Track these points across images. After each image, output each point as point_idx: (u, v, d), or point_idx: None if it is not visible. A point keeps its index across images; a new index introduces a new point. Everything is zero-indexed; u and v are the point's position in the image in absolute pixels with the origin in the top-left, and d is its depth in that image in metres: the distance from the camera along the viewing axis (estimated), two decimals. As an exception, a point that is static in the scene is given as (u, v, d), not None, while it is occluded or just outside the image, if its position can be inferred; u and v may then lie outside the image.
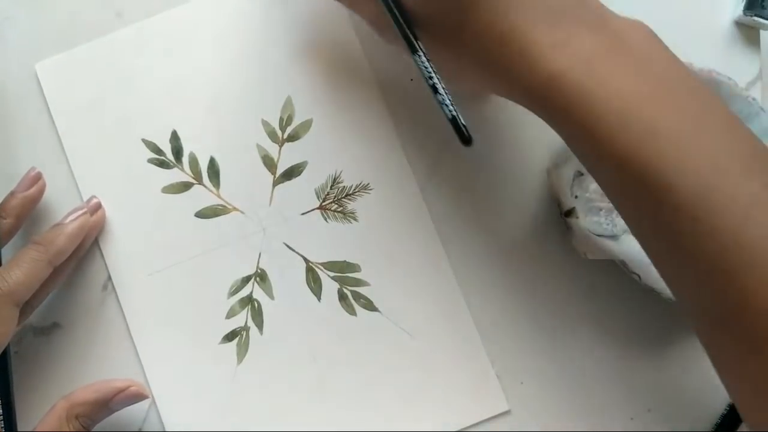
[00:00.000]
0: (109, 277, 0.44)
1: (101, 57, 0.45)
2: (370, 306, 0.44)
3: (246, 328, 0.44)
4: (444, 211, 0.45)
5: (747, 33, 0.46)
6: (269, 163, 0.45)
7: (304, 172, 0.45)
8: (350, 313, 0.44)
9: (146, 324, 0.43)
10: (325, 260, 0.44)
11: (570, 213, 0.41)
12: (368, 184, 0.45)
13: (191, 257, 0.44)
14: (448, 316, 0.44)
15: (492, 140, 0.45)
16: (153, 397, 0.43)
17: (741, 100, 0.43)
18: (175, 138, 0.45)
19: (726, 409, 0.43)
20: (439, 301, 0.44)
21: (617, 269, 0.42)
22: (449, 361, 0.43)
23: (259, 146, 0.45)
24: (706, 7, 0.46)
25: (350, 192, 0.45)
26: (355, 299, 0.44)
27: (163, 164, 0.45)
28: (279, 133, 0.45)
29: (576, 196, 0.43)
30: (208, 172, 0.45)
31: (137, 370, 0.43)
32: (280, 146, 0.45)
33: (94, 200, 0.44)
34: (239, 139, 0.45)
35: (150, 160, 0.45)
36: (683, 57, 0.42)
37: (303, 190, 0.45)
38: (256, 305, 0.44)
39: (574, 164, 0.42)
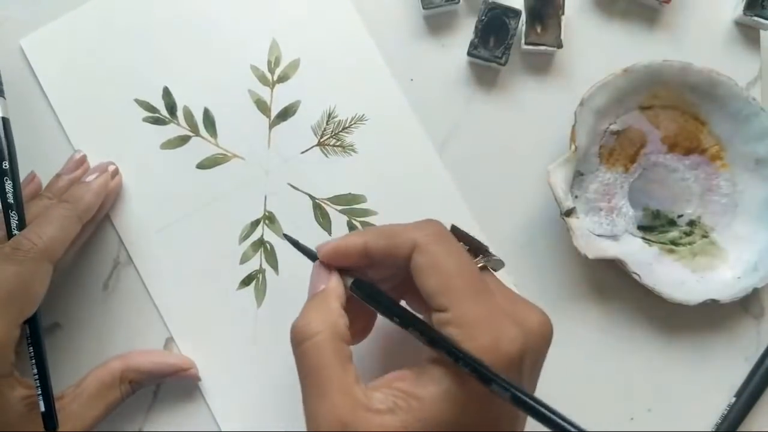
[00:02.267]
0: (112, 272, 0.44)
1: (84, 25, 0.45)
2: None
3: (261, 271, 0.44)
4: (444, 211, 0.45)
5: (747, 33, 0.45)
6: (263, 106, 0.45)
7: (298, 111, 0.45)
8: (362, 244, 0.44)
9: (163, 279, 0.44)
10: (330, 195, 0.45)
11: (570, 213, 0.42)
12: (363, 114, 0.45)
13: (198, 208, 0.45)
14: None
15: (492, 141, 0.45)
16: (179, 350, 0.44)
17: (741, 100, 0.43)
18: (167, 94, 0.45)
19: (726, 409, 0.44)
20: (446, 219, 0.44)
21: (617, 269, 0.43)
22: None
23: (251, 91, 0.45)
24: (706, 7, 0.46)
25: (346, 125, 0.45)
26: (364, 229, 0.44)
27: (158, 121, 0.45)
28: (269, 76, 0.45)
29: (576, 196, 0.44)
30: (203, 123, 0.45)
31: (158, 325, 0.44)
32: (272, 89, 0.45)
33: (112, 166, 0.44)
34: (230, 88, 0.45)
35: (145, 119, 0.45)
36: (683, 57, 0.43)
37: (300, 129, 0.45)
38: (269, 247, 0.44)
39: (574, 164, 0.42)
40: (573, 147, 0.41)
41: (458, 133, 0.45)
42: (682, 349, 0.44)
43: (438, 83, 0.45)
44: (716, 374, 0.44)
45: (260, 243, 0.44)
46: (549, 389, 0.44)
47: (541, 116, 0.45)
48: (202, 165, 0.45)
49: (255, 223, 0.44)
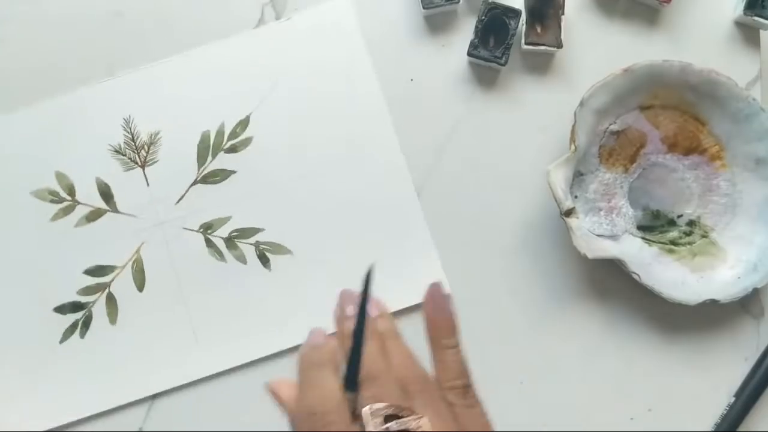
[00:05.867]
0: None
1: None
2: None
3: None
4: (444, 211, 0.45)
5: (747, 33, 0.46)
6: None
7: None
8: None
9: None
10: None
11: (570, 213, 0.42)
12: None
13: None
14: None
15: (492, 141, 0.45)
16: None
17: (741, 100, 0.43)
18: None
19: (726, 409, 0.44)
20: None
21: (617, 269, 0.43)
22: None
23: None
24: (706, 7, 0.46)
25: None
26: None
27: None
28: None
29: (576, 196, 0.44)
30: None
31: None
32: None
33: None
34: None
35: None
36: (684, 57, 0.43)
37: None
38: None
39: (574, 164, 0.42)
40: (573, 147, 0.42)
41: (458, 133, 0.45)
42: (682, 349, 0.44)
43: (438, 83, 0.45)
44: (716, 374, 0.44)
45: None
46: (549, 389, 0.44)
47: (541, 116, 0.45)
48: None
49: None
